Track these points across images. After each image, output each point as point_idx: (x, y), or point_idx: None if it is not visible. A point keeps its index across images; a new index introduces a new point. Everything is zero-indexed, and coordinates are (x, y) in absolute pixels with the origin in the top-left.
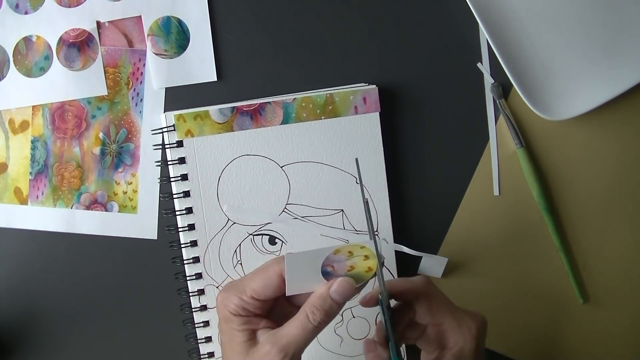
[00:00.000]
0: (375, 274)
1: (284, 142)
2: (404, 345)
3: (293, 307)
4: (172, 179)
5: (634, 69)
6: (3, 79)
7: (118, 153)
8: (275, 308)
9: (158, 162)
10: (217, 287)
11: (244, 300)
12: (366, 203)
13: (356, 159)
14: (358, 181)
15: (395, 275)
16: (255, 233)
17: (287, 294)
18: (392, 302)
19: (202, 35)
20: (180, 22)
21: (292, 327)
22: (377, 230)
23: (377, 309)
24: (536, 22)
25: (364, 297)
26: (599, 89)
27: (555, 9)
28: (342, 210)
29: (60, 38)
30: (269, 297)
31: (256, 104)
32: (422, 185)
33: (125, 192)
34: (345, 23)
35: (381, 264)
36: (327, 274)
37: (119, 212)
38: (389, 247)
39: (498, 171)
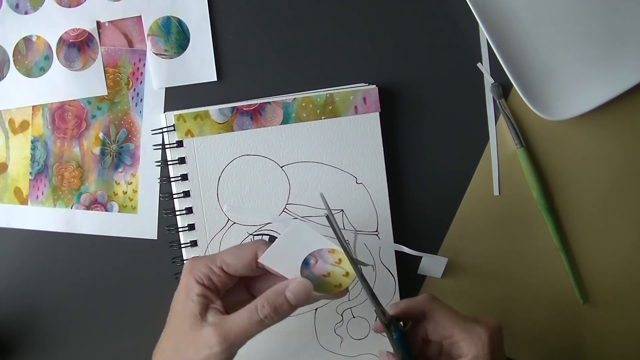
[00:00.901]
0: (343, 293)
1: (284, 142)
2: None
3: (249, 297)
4: (172, 179)
5: (633, 69)
6: (3, 79)
7: (118, 153)
8: (232, 294)
9: (158, 162)
10: None
11: (211, 270)
12: (328, 213)
13: (321, 194)
14: (328, 213)
15: (395, 277)
16: (255, 233)
17: (260, 260)
18: (401, 323)
19: (202, 35)
20: (180, 22)
21: (239, 317)
22: (377, 231)
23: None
24: (536, 22)
25: (375, 324)
26: (598, 89)
27: (555, 9)
28: (342, 210)
29: (60, 38)
30: (237, 273)
31: (256, 104)
32: (422, 185)
33: (125, 192)
34: (345, 23)
35: (360, 275)
36: (306, 264)
37: (119, 212)
38: (389, 248)
39: (498, 171)
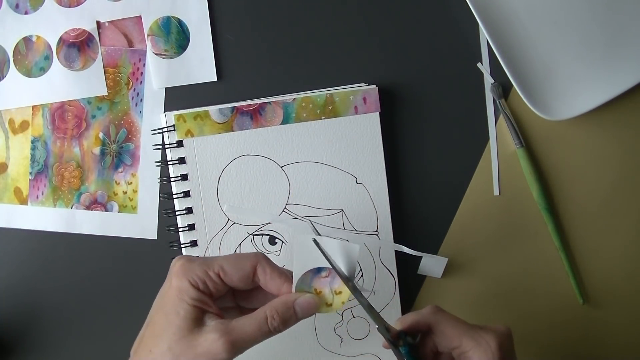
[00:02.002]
0: (344, 299)
1: (284, 142)
2: None
3: (234, 305)
4: (172, 179)
5: (633, 69)
6: (3, 79)
7: (118, 153)
8: (225, 298)
9: (158, 162)
10: None
11: (208, 275)
12: (315, 240)
13: (314, 240)
14: (328, 262)
15: (395, 277)
16: (255, 233)
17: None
18: (409, 338)
19: (202, 35)
20: (180, 22)
21: (248, 325)
22: (377, 231)
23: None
24: (536, 22)
25: (384, 341)
26: (598, 89)
27: (555, 9)
28: (342, 210)
29: (60, 38)
30: (233, 284)
31: (256, 104)
32: (422, 186)
33: (125, 192)
34: (345, 23)
35: (366, 305)
36: (319, 272)
37: (119, 212)
38: (389, 248)
39: (498, 171)
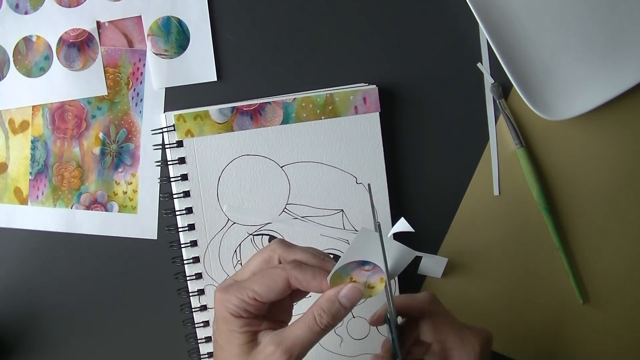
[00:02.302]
0: (374, 294)
1: (284, 142)
2: None
3: (291, 303)
4: (172, 179)
5: (633, 69)
6: (3, 79)
7: (118, 153)
8: (274, 307)
9: (158, 162)
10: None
11: (245, 302)
12: (378, 226)
13: (378, 224)
14: (383, 256)
15: (395, 278)
16: (255, 233)
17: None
18: (399, 320)
19: (202, 35)
20: (180, 22)
21: (298, 329)
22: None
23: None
24: (536, 22)
25: (372, 316)
26: (598, 89)
27: (555, 9)
28: (342, 210)
29: (60, 38)
30: (272, 300)
31: (256, 104)
32: (422, 186)
33: (125, 192)
34: (345, 23)
35: (389, 283)
36: (364, 264)
37: (119, 212)
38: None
39: (498, 171)
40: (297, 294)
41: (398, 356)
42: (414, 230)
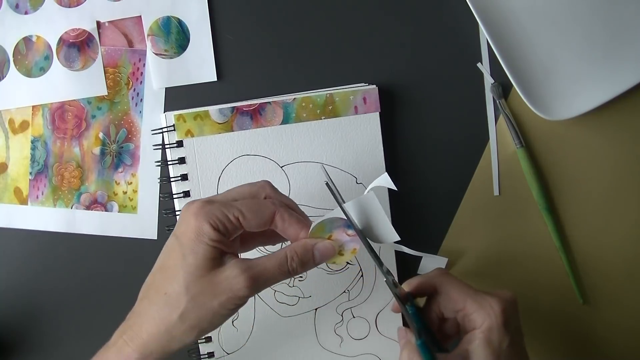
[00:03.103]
0: (338, 262)
1: (284, 142)
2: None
3: (239, 246)
4: (172, 179)
5: (633, 69)
6: (3, 79)
7: (118, 153)
8: (240, 238)
9: (158, 162)
10: None
11: (227, 218)
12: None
13: (326, 183)
14: (328, 182)
15: (395, 275)
16: None
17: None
18: (419, 303)
19: (202, 35)
20: (180, 22)
21: (268, 262)
22: None
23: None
24: (536, 22)
25: (393, 304)
26: (598, 89)
27: (555, 9)
28: None
29: (60, 38)
30: (251, 228)
31: (256, 104)
32: (422, 186)
33: (125, 192)
34: (345, 23)
35: (372, 253)
36: (348, 227)
37: (119, 212)
38: (389, 248)
39: (498, 171)
40: (266, 236)
41: (414, 327)
42: (395, 188)
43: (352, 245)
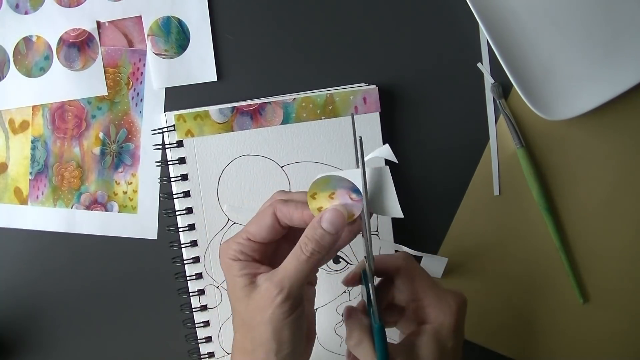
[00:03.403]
0: (350, 219)
1: (284, 142)
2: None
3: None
4: (172, 179)
5: (634, 69)
6: (3, 79)
7: (118, 153)
8: (277, 254)
9: (158, 162)
10: (217, 287)
11: (241, 244)
12: (360, 140)
13: (352, 114)
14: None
15: None
16: None
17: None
18: (375, 280)
19: (202, 35)
20: (180, 22)
21: (286, 262)
22: (377, 231)
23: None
24: (536, 22)
25: (347, 276)
26: (598, 89)
27: (555, 9)
28: None
29: (60, 38)
30: (264, 238)
31: (256, 104)
32: (422, 185)
33: (125, 192)
34: (345, 23)
35: (369, 215)
36: (355, 192)
37: (119, 212)
38: (389, 248)
39: (498, 171)
40: (293, 235)
41: (372, 305)
42: (397, 161)
43: (352, 209)
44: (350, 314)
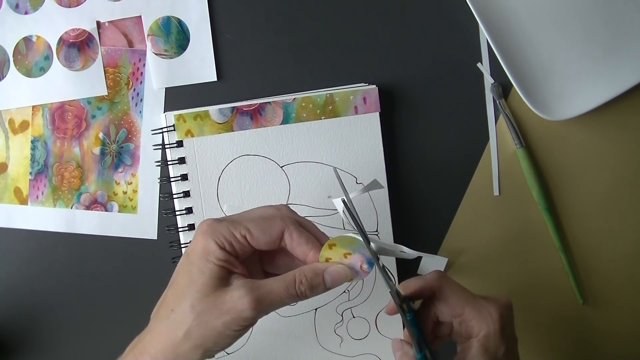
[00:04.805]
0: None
1: (284, 142)
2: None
3: (260, 269)
4: (172, 179)
5: (633, 69)
6: (3, 79)
7: (118, 153)
8: (251, 262)
9: (158, 162)
10: None
11: (234, 237)
12: (350, 203)
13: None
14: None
15: (395, 276)
16: None
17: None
18: (415, 305)
19: (202, 35)
20: (180, 22)
21: (274, 284)
22: (377, 231)
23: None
24: (536, 22)
25: (388, 306)
26: (598, 89)
27: (555, 9)
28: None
29: (60, 38)
30: (260, 246)
31: (256, 104)
32: (422, 185)
33: (125, 192)
34: (345, 23)
35: (377, 259)
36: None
37: (119, 212)
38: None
39: (498, 171)
40: (279, 256)
41: (412, 336)
42: (384, 187)
43: (355, 276)
44: (397, 347)
